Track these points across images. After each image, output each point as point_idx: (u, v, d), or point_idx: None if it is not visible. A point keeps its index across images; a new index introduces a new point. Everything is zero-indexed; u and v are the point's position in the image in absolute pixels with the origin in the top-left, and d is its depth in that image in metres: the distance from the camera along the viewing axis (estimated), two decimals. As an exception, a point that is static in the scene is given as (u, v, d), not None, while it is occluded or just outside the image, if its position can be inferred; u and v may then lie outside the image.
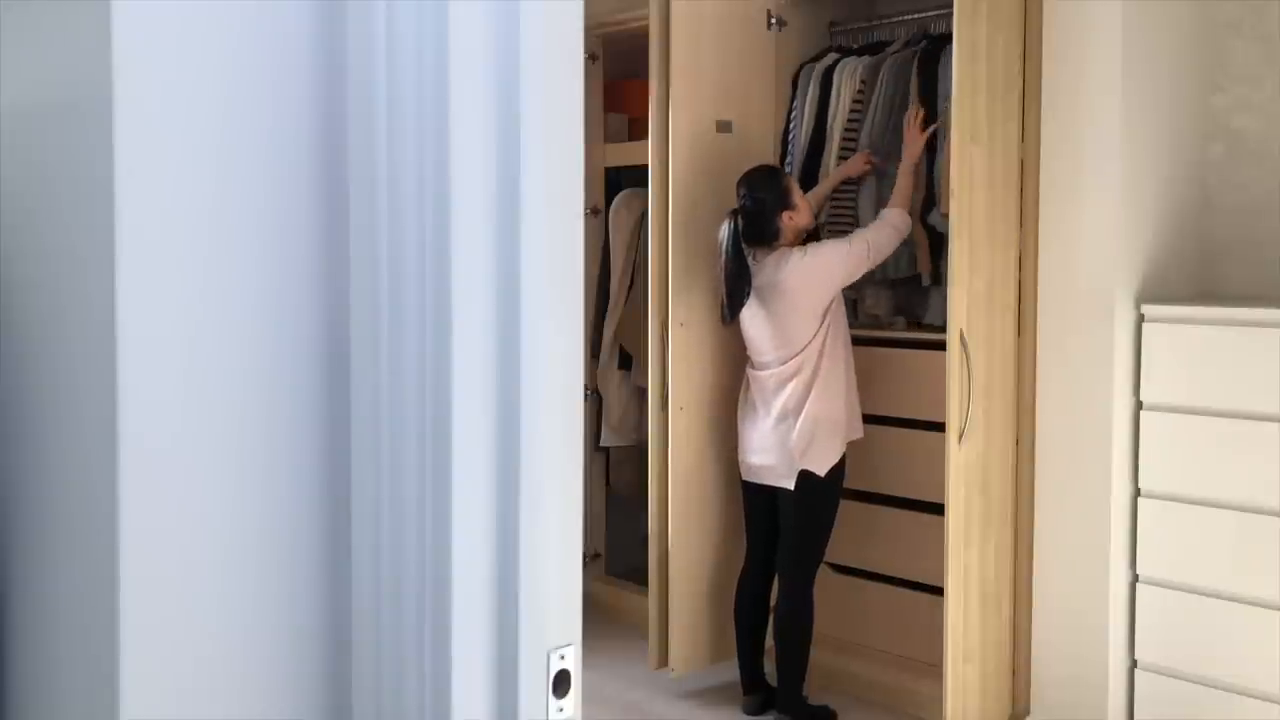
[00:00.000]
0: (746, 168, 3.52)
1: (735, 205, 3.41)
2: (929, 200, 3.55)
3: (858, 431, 3.46)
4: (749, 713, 3.58)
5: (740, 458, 3.55)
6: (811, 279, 3.32)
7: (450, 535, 1.01)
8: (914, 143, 3.45)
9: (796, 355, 3.34)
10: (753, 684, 3.58)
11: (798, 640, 3.43)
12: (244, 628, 1.06)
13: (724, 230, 3.39)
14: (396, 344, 1.03)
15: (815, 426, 3.34)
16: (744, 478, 3.55)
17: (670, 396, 3.58)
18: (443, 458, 1.01)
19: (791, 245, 3.38)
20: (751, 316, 3.43)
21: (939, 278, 3.56)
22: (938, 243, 3.58)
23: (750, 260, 3.39)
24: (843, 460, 3.41)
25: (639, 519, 3.86)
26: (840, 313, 3.41)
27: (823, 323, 3.33)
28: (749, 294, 3.39)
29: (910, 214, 3.42)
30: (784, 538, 3.47)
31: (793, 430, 3.35)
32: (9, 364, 1.15)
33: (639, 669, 3.78)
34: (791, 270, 3.33)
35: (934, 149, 3.55)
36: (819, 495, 3.39)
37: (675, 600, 3.61)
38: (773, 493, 3.47)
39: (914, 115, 3.47)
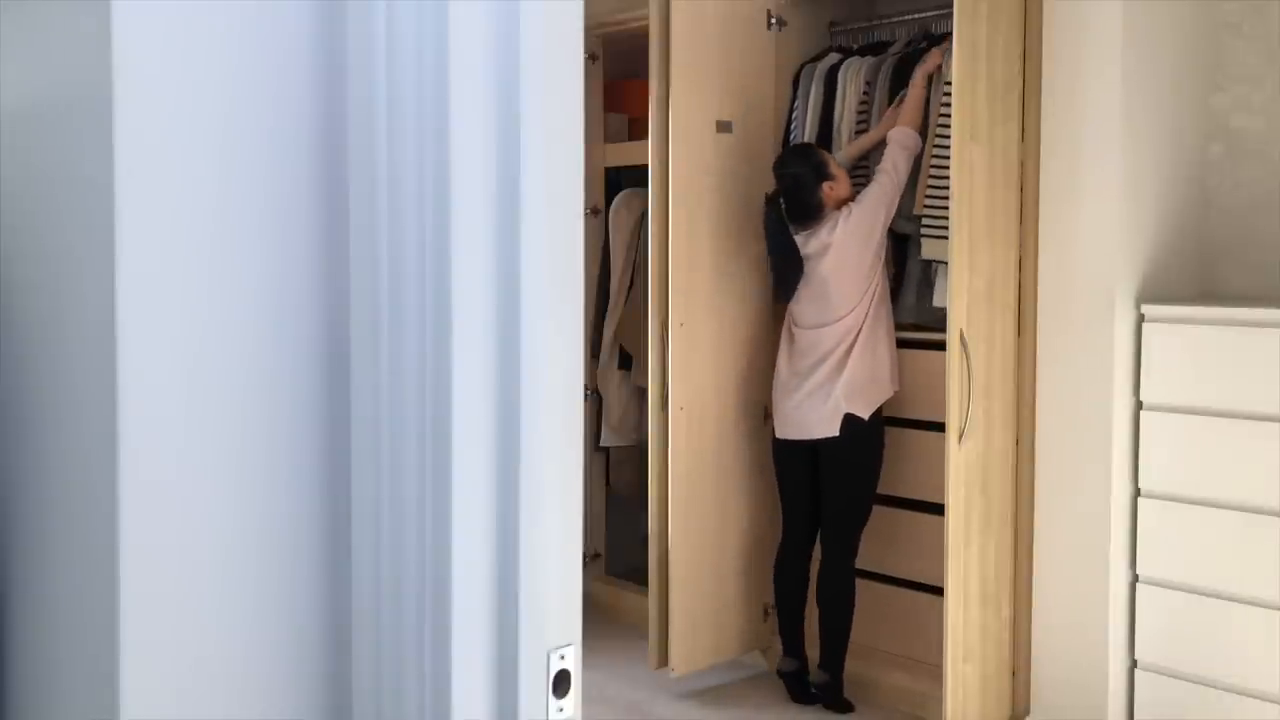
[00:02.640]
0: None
1: (773, 190, 3.50)
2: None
3: (897, 382, 3.52)
4: (783, 670, 3.63)
5: (777, 415, 3.58)
6: (861, 229, 3.40)
7: (450, 535, 1.01)
8: (929, 59, 3.49)
9: (850, 312, 3.42)
10: (793, 647, 3.62)
11: (841, 608, 3.50)
12: (244, 628, 1.06)
13: (767, 215, 3.48)
14: (396, 344, 1.03)
15: (861, 373, 3.42)
16: (780, 436, 3.57)
17: (670, 396, 3.58)
18: (443, 458, 1.01)
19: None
20: (804, 285, 3.49)
21: (902, 280, 3.58)
22: (900, 245, 3.60)
23: (804, 238, 3.46)
24: (881, 409, 3.47)
25: (639, 519, 3.86)
26: (883, 262, 3.47)
27: (872, 276, 3.42)
28: (802, 271, 3.47)
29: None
30: (828, 497, 3.51)
31: (838, 381, 3.41)
32: (9, 364, 1.15)
33: (639, 669, 3.78)
34: (842, 231, 3.41)
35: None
36: (864, 439, 3.45)
37: (675, 600, 3.61)
38: (812, 450, 3.49)
39: (938, 49, 3.52)
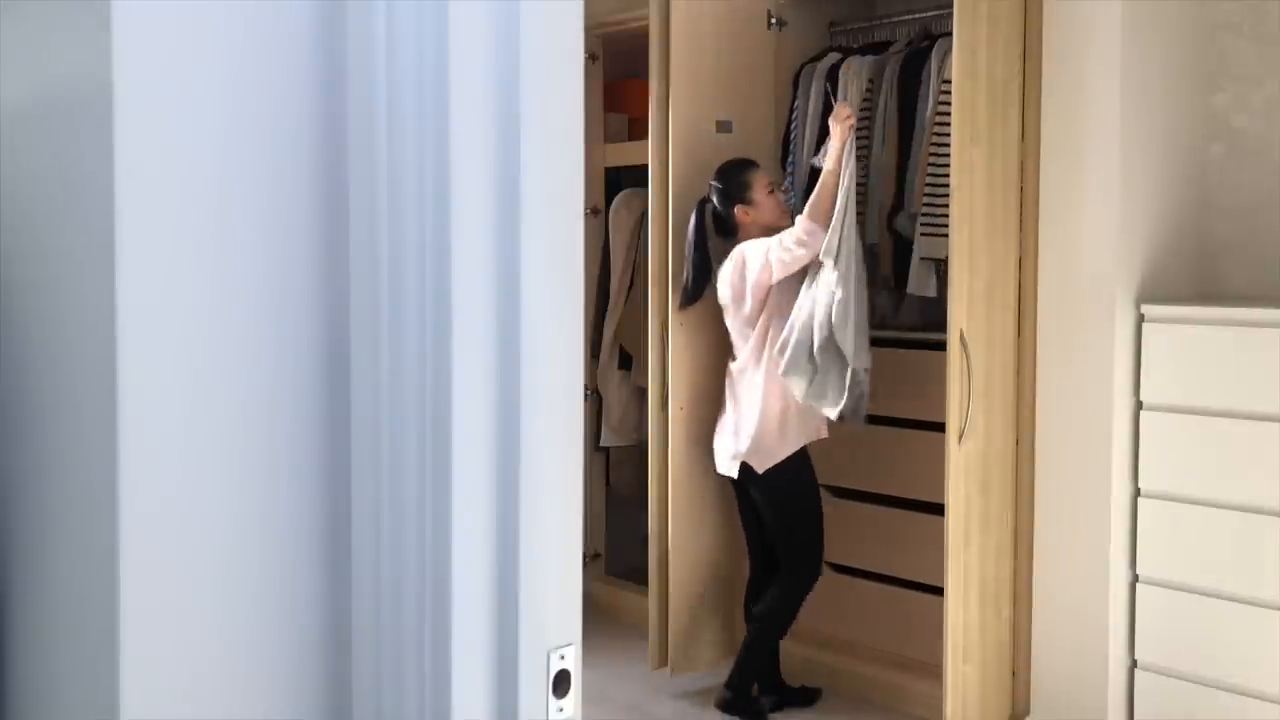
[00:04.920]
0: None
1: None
2: (897, 204, 3.55)
3: (817, 431, 3.43)
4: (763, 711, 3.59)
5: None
6: (737, 276, 3.37)
7: (450, 535, 1.01)
8: (836, 141, 3.24)
9: (745, 346, 3.40)
10: (771, 685, 3.58)
11: (764, 629, 3.44)
12: (244, 628, 1.06)
13: (693, 218, 3.47)
14: (396, 344, 1.03)
15: (761, 420, 3.35)
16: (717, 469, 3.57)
17: (670, 396, 3.58)
18: (443, 458, 1.01)
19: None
20: (722, 308, 3.48)
21: (903, 282, 3.56)
22: (904, 248, 3.59)
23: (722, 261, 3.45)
24: (791, 461, 3.37)
25: (639, 519, 3.86)
26: (769, 326, 3.37)
27: (761, 314, 3.35)
28: (706, 283, 3.47)
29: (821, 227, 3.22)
30: (766, 530, 3.50)
31: (741, 421, 3.40)
32: (9, 364, 1.15)
33: (639, 669, 3.78)
34: (725, 266, 3.41)
35: (906, 152, 3.55)
36: (771, 485, 3.40)
37: (675, 600, 3.61)
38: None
39: (840, 113, 3.27)
